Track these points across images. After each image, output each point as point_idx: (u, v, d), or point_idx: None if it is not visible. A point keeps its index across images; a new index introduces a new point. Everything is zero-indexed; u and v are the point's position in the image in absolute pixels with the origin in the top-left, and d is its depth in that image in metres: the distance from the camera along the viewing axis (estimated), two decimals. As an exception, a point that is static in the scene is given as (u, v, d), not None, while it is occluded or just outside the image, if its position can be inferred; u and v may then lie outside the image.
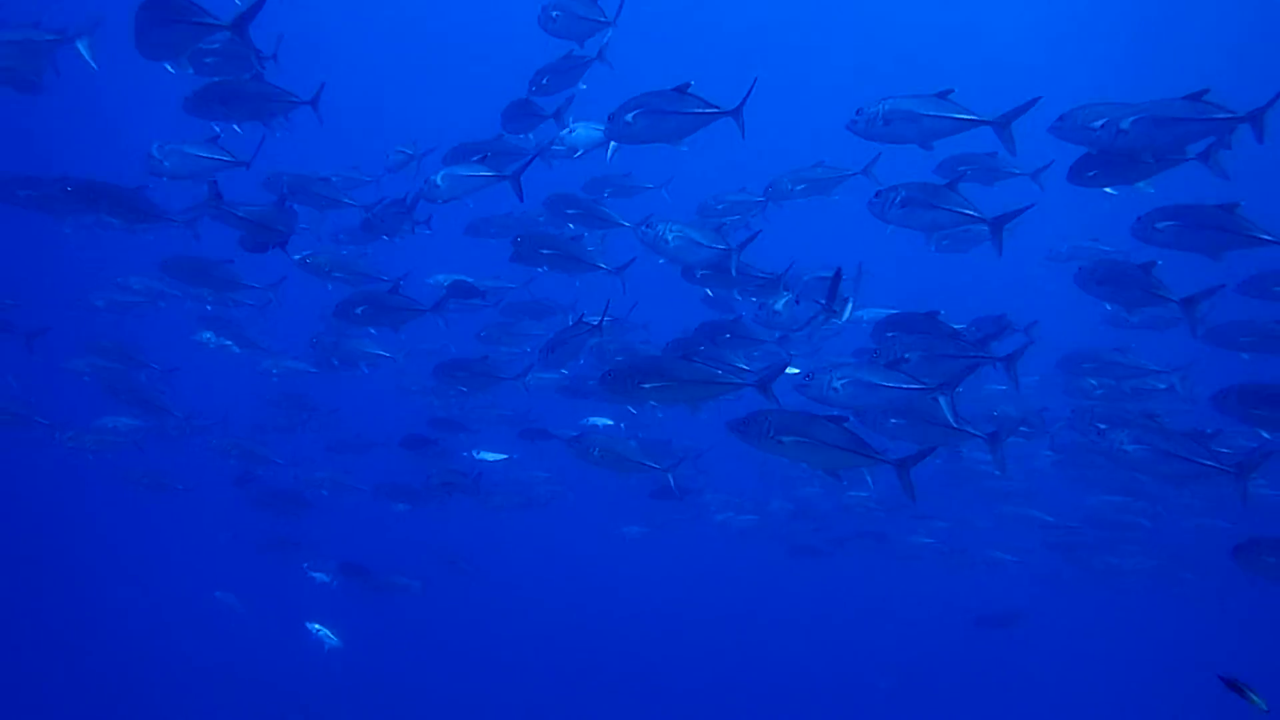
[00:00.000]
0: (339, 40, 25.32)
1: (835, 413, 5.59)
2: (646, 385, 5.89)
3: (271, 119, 7.25)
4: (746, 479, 17.42)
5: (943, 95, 6.20)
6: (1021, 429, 8.69)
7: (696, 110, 6.29)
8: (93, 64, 6.45)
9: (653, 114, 6.34)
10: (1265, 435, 6.75)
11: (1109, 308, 8.10)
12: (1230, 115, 5.51)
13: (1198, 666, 20.03)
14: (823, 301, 6.68)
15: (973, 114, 6.10)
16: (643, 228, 7.30)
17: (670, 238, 7.09)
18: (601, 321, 7.68)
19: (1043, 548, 16.38)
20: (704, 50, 21.74)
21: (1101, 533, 15.39)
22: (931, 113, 6.13)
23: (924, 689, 20.51)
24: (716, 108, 6.31)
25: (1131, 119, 5.68)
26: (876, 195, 6.51)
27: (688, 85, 6.34)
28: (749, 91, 6.18)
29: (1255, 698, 4.67)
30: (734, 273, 7.39)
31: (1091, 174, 6.35)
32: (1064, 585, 18.91)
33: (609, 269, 8.06)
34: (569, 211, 8.73)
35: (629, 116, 6.38)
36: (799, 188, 8.65)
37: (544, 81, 8.61)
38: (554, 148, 8.50)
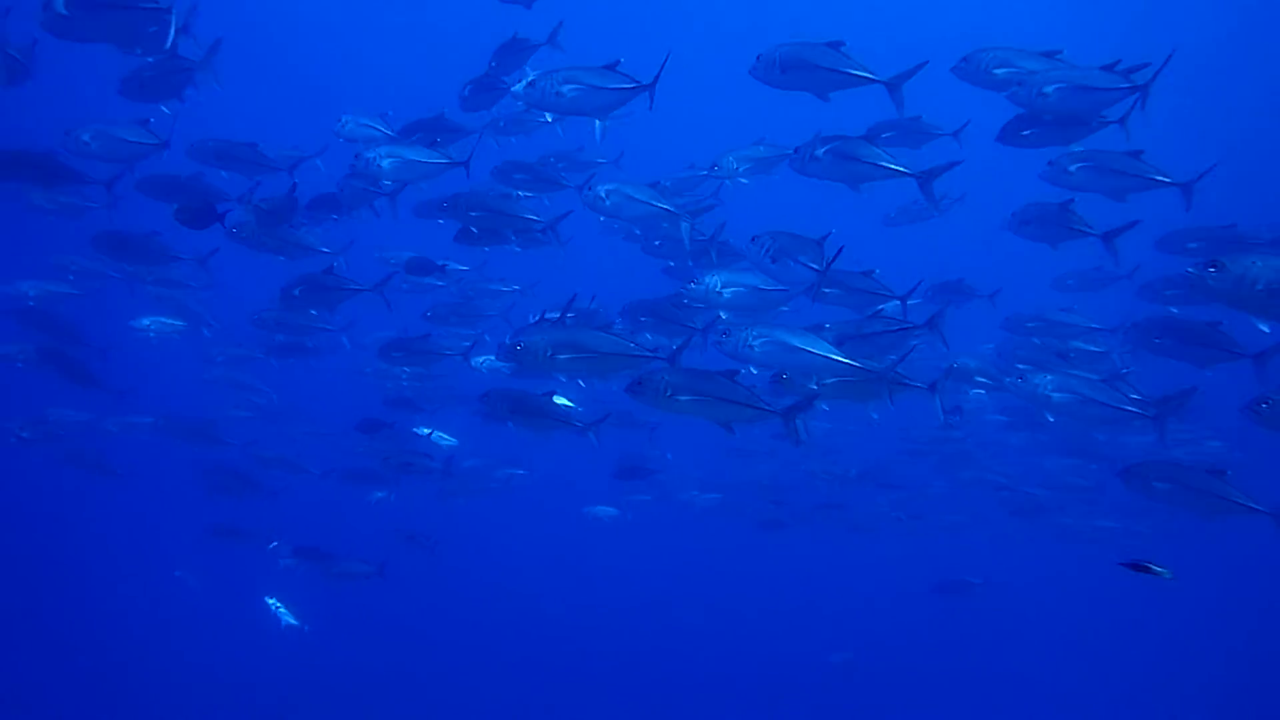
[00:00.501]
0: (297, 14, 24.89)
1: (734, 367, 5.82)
2: (560, 356, 5.92)
3: (182, 91, 7.31)
4: (709, 456, 17.44)
5: (834, 45, 6.37)
6: (979, 379, 8.74)
7: (616, 86, 6.51)
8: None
9: (580, 87, 6.56)
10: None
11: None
12: (1131, 85, 6.17)
13: (1162, 627, 20.72)
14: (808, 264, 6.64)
15: (867, 70, 6.33)
16: (584, 189, 7.33)
17: (604, 194, 7.14)
18: (564, 315, 7.60)
19: (1001, 512, 16.62)
20: (680, 32, 21.56)
21: (1057, 494, 15.64)
22: (826, 64, 6.33)
23: (885, 659, 20.75)
24: (636, 83, 6.49)
25: (1054, 86, 6.20)
26: (795, 150, 6.62)
27: (617, 62, 6.60)
28: (662, 66, 6.32)
29: (1158, 569, 4.84)
30: (687, 242, 7.42)
31: (1025, 134, 6.75)
32: (1023, 548, 19.24)
33: (540, 220, 7.79)
34: (516, 177, 8.64)
35: (560, 88, 6.57)
36: (743, 167, 8.67)
37: (493, 65, 8.67)
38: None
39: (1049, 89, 6.21)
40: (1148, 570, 5.02)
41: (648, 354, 5.98)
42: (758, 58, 6.48)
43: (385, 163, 7.36)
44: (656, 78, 6.43)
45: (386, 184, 7.86)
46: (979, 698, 19.80)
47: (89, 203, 9.13)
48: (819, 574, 23.19)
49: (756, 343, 5.90)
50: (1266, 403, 5.15)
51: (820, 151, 6.44)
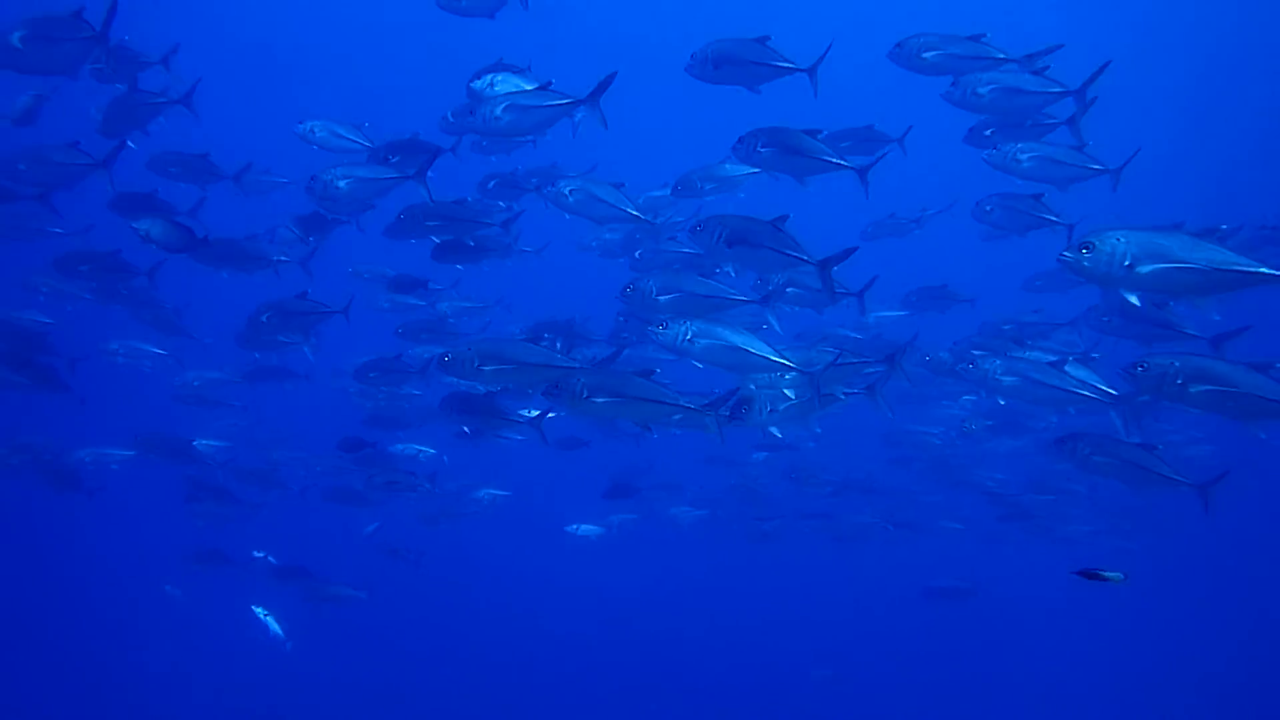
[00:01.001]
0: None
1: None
2: (486, 368, 5.89)
3: (146, 124, 7.54)
4: (695, 472, 17.28)
5: (760, 41, 6.71)
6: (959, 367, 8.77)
7: (552, 104, 6.72)
8: None
9: (515, 109, 6.82)
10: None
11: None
12: (1063, 89, 6.80)
13: (1156, 630, 20.71)
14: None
15: (789, 62, 6.71)
16: (546, 186, 7.41)
17: (568, 191, 7.21)
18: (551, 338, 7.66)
19: (990, 516, 16.56)
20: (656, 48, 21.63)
21: (1045, 498, 15.60)
22: (752, 58, 6.70)
23: (876, 669, 20.61)
24: (572, 99, 6.70)
25: (988, 87, 6.77)
26: (740, 141, 6.71)
27: (549, 83, 6.91)
28: (607, 82, 6.48)
29: (1109, 575, 4.82)
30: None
31: (988, 134, 7.36)
32: (1013, 551, 19.16)
33: (497, 225, 7.85)
34: (490, 185, 8.59)
35: (497, 110, 6.84)
36: (709, 185, 8.72)
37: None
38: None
39: (983, 90, 6.78)
40: (1099, 578, 4.97)
41: (573, 365, 5.95)
42: (691, 56, 6.76)
43: (342, 184, 7.27)
44: (595, 93, 6.56)
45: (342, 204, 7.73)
46: (972, 705, 19.72)
47: (49, 226, 9.12)
48: (808, 584, 23.04)
49: (696, 340, 5.90)
50: (1142, 366, 5.00)
51: (762, 146, 6.58)
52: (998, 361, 6.68)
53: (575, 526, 16.73)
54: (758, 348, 5.90)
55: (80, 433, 12.06)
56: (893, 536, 17.97)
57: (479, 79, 7.58)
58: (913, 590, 18.81)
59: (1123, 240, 4.70)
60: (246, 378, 11.85)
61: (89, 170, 7.34)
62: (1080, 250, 4.78)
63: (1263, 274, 4.64)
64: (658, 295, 6.43)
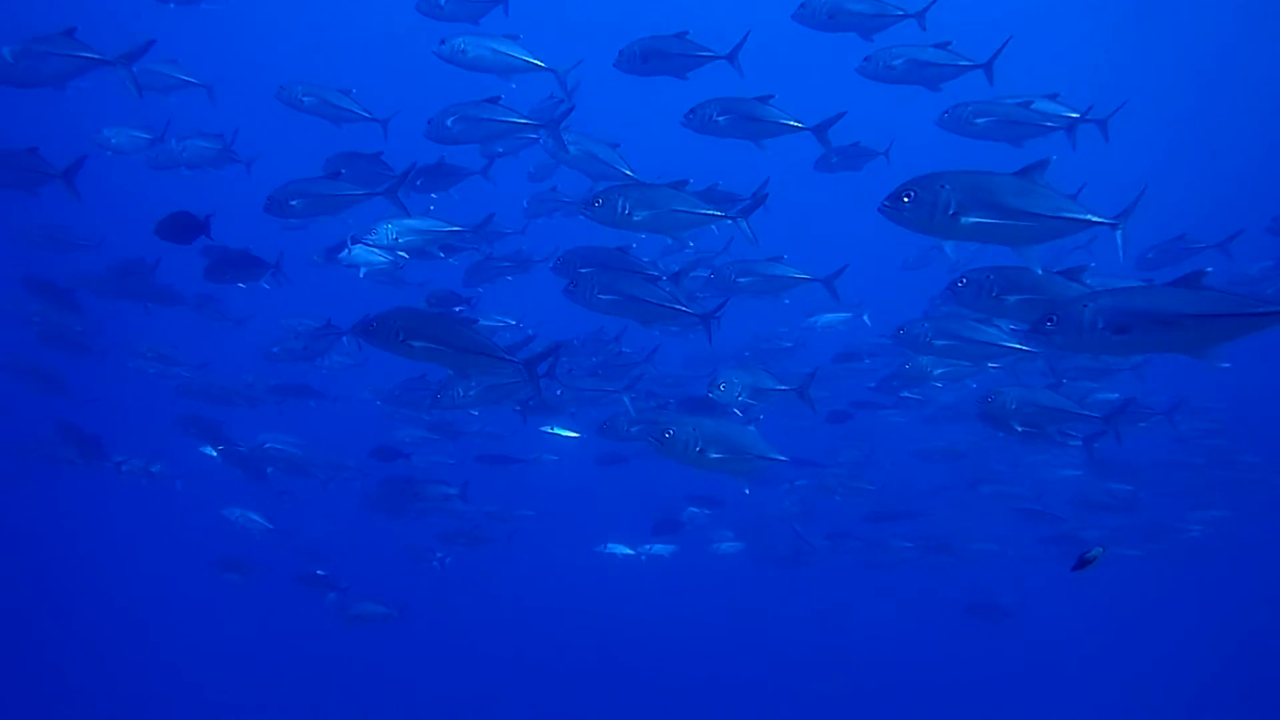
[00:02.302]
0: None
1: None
2: (414, 343, 5.47)
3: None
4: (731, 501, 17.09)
5: (680, 35, 7.22)
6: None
7: (505, 119, 7.37)
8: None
9: (466, 120, 7.37)
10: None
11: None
12: (971, 63, 7.25)
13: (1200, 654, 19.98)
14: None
15: (709, 49, 7.23)
16: (547, 138, 7.63)
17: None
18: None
19: (1031, 536, 16.20)
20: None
21: (1088, 516, 15.25)
22: (676, 50, 7.21)
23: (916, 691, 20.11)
24: (523, 118, 7.38)
25: (983, 119, 7.15)
26: (691, 112, 6.94)
27: (498, 98, 7.44)
28: (567, 98, 7.17)
29: (1095, 551, 4.68)
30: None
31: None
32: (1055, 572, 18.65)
33: (381, 193, 7.54)
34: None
35: (448, 121, 7.40)
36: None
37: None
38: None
39: (979, 120, 7.14)
40: (1090, 561, 4.87)
41: (508, 358, 5.70)
42: (620, 53, 7.23)
43: (295, 202, 7.37)
44: (563, 116, 7.10)
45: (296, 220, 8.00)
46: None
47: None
48: (843, 608, 22.60)
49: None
50: (1052, 319, 4.46)
51: (719, 116, 6.84)
52: (927, 325, 6.69)
53: (605, 546, 16.61)
54: (654, 295, 6.38)
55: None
56: (929, 562, 17.67)
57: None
58: (951, 610, 18.32)
59: (947, 187, 4.37)
60: (273, 391, 12.00)
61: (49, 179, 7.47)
62: (901, 199, 4.43)
63: (1092, 221, 4.47)
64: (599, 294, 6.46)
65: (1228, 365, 4.24)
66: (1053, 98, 7.41)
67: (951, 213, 4.33)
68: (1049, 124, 7.24)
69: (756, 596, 22.12)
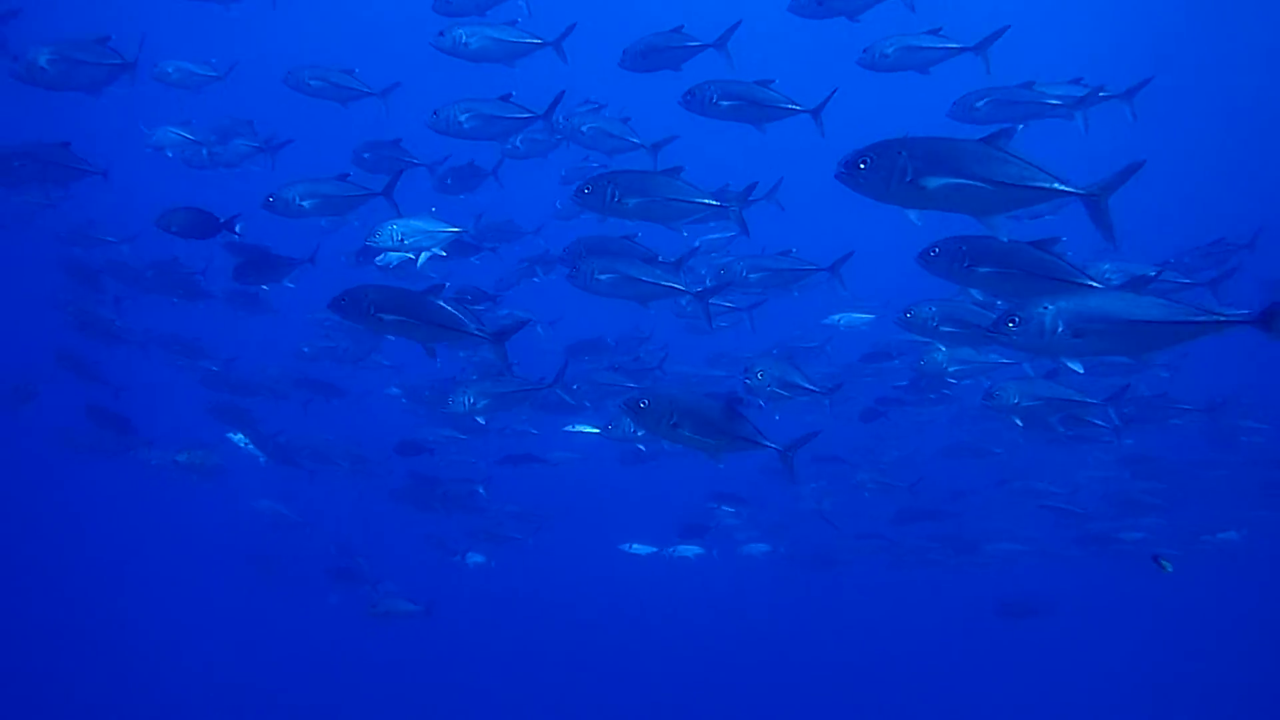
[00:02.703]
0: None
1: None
2: (385, 316, 5.61)
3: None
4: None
5: (676, 30, 7.58)
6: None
7: (515, 115, 7.73)
8: None
9: (479, 117, 7.68)
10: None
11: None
12: (960, 47, 7.47)
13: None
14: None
15: (698, 40, 7.57)
16: (562, 120, 7.91)
17: (585, 129, 7.91)
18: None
19: (1063, 537, 15.96)
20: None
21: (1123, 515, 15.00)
22: (673, 44, 7.61)
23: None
24: (531, 113, 7.64)
25: (893, 48, 7.49)
26: (691, 93, 7.00)
27: (509, 95, 7.72)
28: (555, 100, 7.36)
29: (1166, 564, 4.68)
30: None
31: (979, 105, 7.54)
32: (1089, 573, 18.36)
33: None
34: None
35: (461, 117, 7.65)
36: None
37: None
38: None
39: (889, 50, 7.49)
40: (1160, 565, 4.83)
41: (479, 333, 5.78)
42: (624, 51, 7.62)
43: (306, 203, 7.48)
44: (550, 109, 7.36)
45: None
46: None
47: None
48: (871, 607, 22.39)
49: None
50: (1014, 320, 4.37)
51: (719, 100, 6.90)
52: (932, 307, 6.59)
53: (629, 545, 16.58)
54: (652, 275, 6.58)
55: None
56: (958, 562, 17.48)
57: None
58: (983, 609, 18.04)
59: (905, 152, 4.20)
60: (297, 386, 12.09)
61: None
62: (858, 165, 4.28)
63: (1062, 191, 4.31)
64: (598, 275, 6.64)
65: (1167, 375, 4.30)
66: (1076, 83, 7.42)
67: (909, 179, 4.19)
68: (1052, 102, 7.24)
69: (783, 597, 22.01)
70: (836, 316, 12.56)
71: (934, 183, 4.19)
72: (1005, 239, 4.61)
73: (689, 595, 21.28)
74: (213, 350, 11.60)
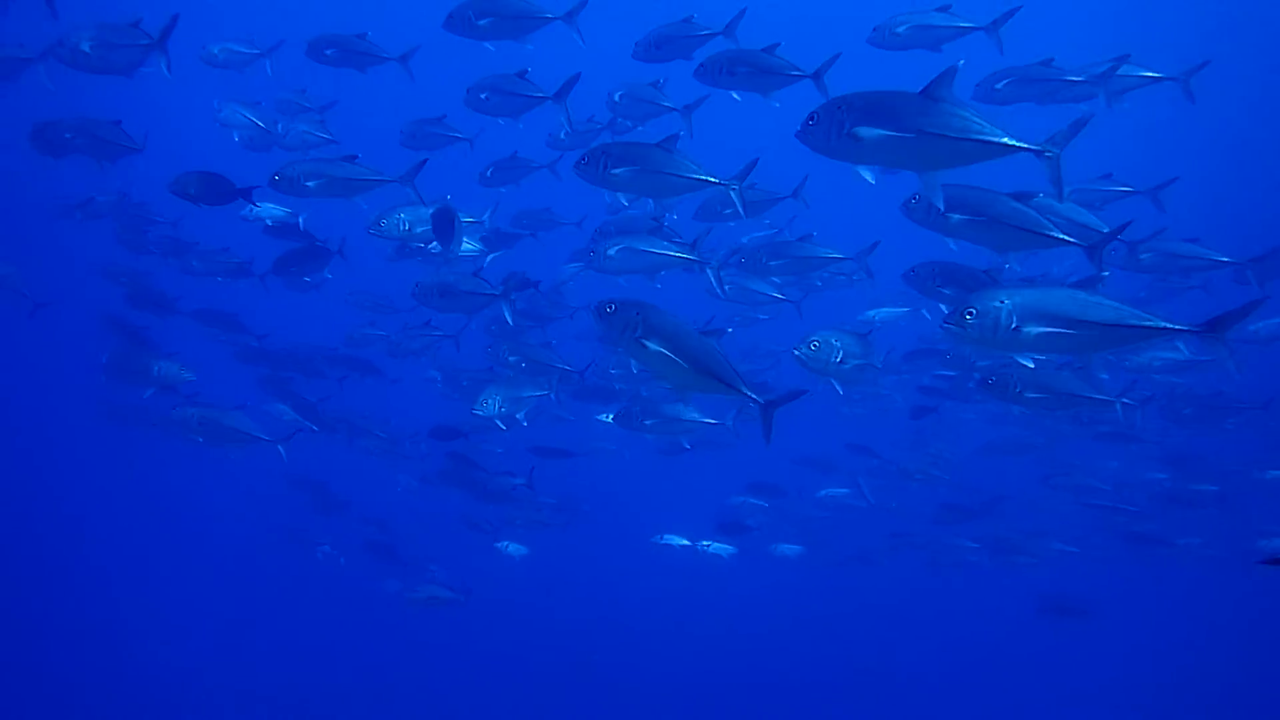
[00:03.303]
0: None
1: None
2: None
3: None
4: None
5: (686, 20, 7.89)
6: None
7: (527, 93, 7.91)
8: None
9: (499, 93, 8.01)
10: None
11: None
12: (972, 25, 7.50)
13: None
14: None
15: (709, 28, 7.78)
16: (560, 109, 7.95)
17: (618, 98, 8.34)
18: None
19: (1109, 537, 15.58)
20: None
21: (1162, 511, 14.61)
22: (683, 33, 7.93)
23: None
24: (542, 92, 7.79)
25: (904, 26, 7.60)
26: (705, 65, 7.17)
27: (525, 71, 7.96)
28: (571, 82, 7.44)
29: None
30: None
31: (999, 86, 7.66)
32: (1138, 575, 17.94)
33: (398, 180, 7.61)
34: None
35: (482, 94, 8.03)
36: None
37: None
38: None
39: (900, 29, 7.61)
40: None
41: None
42: (636, 44, 7.93)
43: (311, 183, 7.49)
44: (570, 84, 7.42)
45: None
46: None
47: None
48: (907, 607, 22.07)
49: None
50: (972, 312, 4.36)
51: (736, 67, 7.05)
52: (935, 266, 6.53)
53: (660, 536, 16.46)
54: (659, 246, 6.71)
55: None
56: (998, 563, 17.15)
57: None
58: (1025, 610, 17.70)
59: (844, 106, 4.31)
60: (332, 363, 12.20)
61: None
62: (807, 122, 4.38)
63: (1008, 145, 4.26)
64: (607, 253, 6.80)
65: (1105, 376, 4.28)
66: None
67: (847, 131, 4.22)
68: (1073, 79, 7.32)
69: (817, 595, 21.82)
70: (872, 311, 12.38)
71: (869, 134, 4.20)
72: (940, 201, 4.58)
73: (717, 593, 21.19)
74: (251, 326, 11.75)
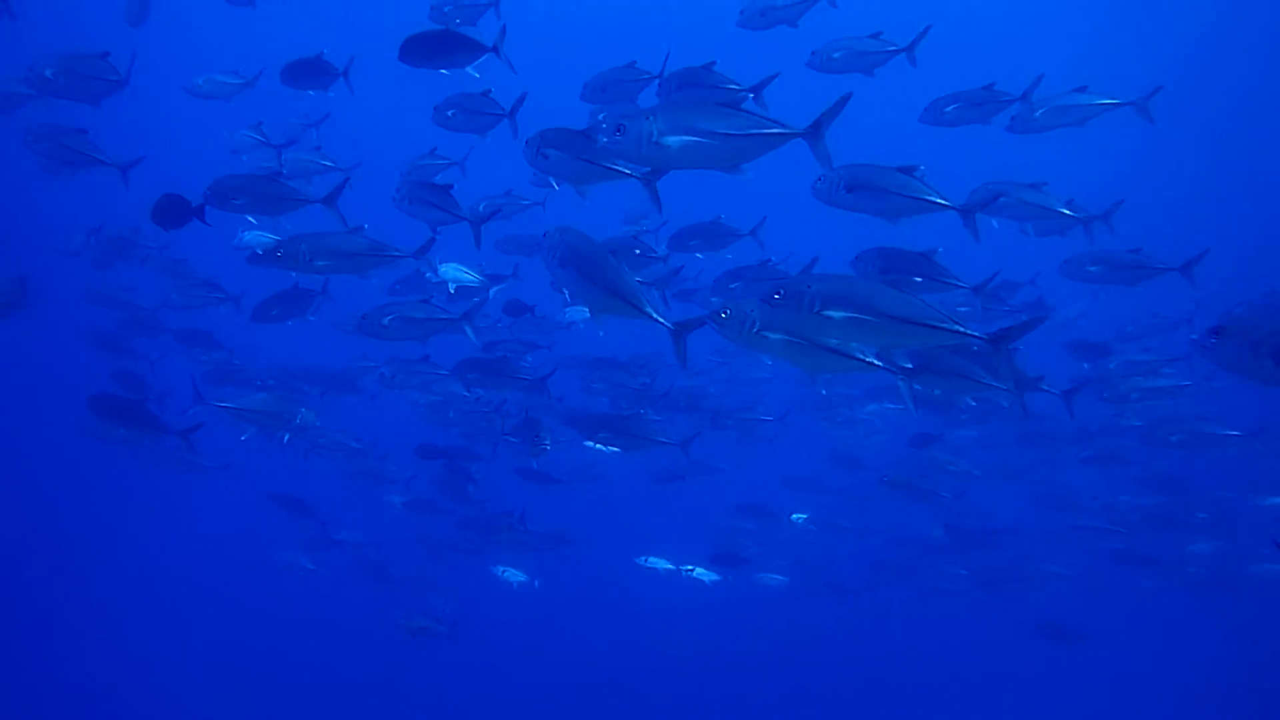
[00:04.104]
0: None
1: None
2: (318, 262, 6.38)
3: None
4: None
5: (706, 67, 7.52)
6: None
7: (492, 111, 7.89)
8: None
9: (464, 111, 7.92)
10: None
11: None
12: (895, 49, 8.02)
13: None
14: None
15: (736, 84, 7.50)
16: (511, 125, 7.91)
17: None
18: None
19: (1103, 558, 15.49)
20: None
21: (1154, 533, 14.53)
22: (706, 81, 7.67)
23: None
24: (504, 108, 7.82)
25: (840, 52, 8.11)
26: (711, 62, 7.25)
27: (488, 90, 7.89)
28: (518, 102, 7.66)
29: None
30: None
31: (948, 110, 8.30)
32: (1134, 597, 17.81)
33: (321, 201, 7.34)
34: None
35: (449, 112, 7.95)
36: None
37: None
38: None
39: (836, 55, 8.13)
40: None
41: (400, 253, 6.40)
42: (584, 86, 8.06)
43: (238, 200, 7.29)
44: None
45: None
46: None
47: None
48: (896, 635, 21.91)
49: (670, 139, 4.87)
50: (779, 293, 4.64)
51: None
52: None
53: (644, 559, 16.26)
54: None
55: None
56: (993, 589, 17.03)
57: None
58: (1020, 631, 17.53)
59: (651, 117, 4.70)
60: (309, 382, 12.06)
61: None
62: (615, 132, 4.72)
63: (786, 133, 4.67)
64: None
65: (909, 365, 4.90)
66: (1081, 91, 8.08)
67: (655, 140, 4.66)
68: (1007, 99, 8.00)
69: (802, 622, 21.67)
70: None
71: (674, 141, 4.67)
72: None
73: (702, 618, 21.00)
74: (237, 348, 11.66)
